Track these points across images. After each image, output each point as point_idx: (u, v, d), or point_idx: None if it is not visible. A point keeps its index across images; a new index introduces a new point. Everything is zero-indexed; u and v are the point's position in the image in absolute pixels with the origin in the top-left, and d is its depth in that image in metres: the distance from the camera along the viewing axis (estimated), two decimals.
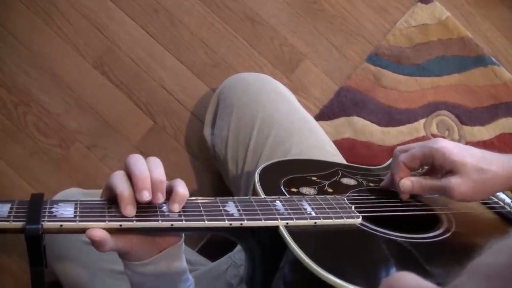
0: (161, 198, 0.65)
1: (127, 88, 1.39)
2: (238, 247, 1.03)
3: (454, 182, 0.76)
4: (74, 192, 1.12)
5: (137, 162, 0.66)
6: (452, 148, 0.78)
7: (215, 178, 1.36)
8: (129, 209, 0.63)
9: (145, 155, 0.68)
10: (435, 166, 0.80)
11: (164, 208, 0.66)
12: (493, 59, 1.50)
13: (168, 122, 1.39)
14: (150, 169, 0.66)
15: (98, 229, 0.61)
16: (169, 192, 0.68)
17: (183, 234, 0.73)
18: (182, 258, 0.74)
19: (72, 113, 1.37)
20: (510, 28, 1.54)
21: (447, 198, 0.79)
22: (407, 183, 0.82)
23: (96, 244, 0.62)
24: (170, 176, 0.68)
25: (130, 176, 0.65)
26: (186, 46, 1.42)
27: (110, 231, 0.62)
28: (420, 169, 0.91)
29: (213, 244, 1.29)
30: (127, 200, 0.63)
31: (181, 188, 0.67)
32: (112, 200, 0.65)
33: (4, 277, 1.30)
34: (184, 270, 0.76)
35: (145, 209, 0.65)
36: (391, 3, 1.51)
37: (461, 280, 0.24)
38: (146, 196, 0.63)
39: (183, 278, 0.76)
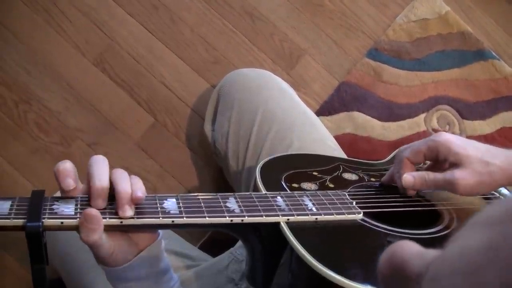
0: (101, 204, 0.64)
1: (128, 85, 1.39)
2: (240, 243, 1.03)
3: (458, 174, 0.74)
4: None
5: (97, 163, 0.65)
6: (456, 141, 0.77)
7: (216, 174, 1.36)
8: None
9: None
10: (439, 160, 0.79)
11: (165, 204, 0.66)
12: (493, 53, 1.50)
13: (169, 119, 1.39)
14: (114, 181, 0.64)
15: (94, 209, 0.61)
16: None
17: (160, 232, 0.71)
18: (163, 256, 0.73)
19: (73, 111, 1.37)
20: (510, 22, 1.53)
21: (451, 193, 0.79)
22: (409, 178, 0.80)
23: (92, 226, 0.60)
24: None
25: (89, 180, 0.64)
26: (186, 42, 1.42)
27: (110, 228, 0.62)
28: (422, 164, 0.90)
29: (215, 240, 1.30)
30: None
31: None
32: (112, 197, 0.65)
33: (6, 276, 1.30)
34: (166, 269, 0.74)
35: (146, 206, 0.65)
36: None
37: (462, 231, 0.25)
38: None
39: (167, 277, 0.75)
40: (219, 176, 1.32)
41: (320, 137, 1.13)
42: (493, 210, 0.24)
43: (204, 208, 0.67)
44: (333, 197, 0.77)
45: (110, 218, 0.62)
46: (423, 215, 0.81)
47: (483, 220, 0.24)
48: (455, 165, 0.76)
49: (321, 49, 1.47)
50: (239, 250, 1.02)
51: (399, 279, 0.30)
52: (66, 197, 0.64)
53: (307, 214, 0.71)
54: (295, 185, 0.83)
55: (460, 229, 0.25)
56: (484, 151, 0.76)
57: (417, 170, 0.86)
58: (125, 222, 0.62)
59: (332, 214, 0.72)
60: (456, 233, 0.26)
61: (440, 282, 0.24)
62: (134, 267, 0.68)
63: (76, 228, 0.62)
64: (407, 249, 0.30)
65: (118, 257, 0.67)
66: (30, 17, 1.38)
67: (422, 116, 1.46)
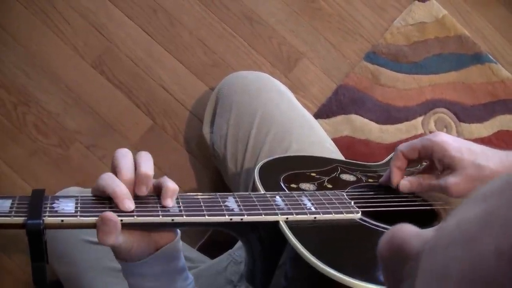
0: (144, 191, 0.65)
1: (126, 88, 1.39)
2: (238, 244, 1.04)
3: (451, 181, 0.76)
4: (74, 191, 1.12)
5: (123, 157, 0.66)
6: (451, 143, 0.78)
7: (215, 177, 1.36)
8: (127, 204, 0.63)
9: None
10: (434, 161, 0.80)
11: None
12: (490, 56, 1.51)
13: (168, 121, 1.39)
14: (138, 163, 0.66)
15: (112, 213, 0.61)
16: (159, 190, 0.68)
17: (179, 231, 0.72)
18: (180, 255, 0.74)
19: (72, 113, 1.37)
20: (507, 26, 1.54)
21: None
22: (405, 182, 0.82)
23: (108, 229, 0.61)
24: (170, 175, 0.68)
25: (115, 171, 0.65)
26: (185, 46, 1.43)
27: (124, 226, 0.63)
28: (419, 165, 0.91)
29: (214, 242, 1.30)
30: (121, 196, 0.63)
31: (170, 183, 0.67)
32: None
33: (4, 277, 1.30)
34: (183, 268, 0.75)
35: (146, 204, 0.65)
36: (388, 2, 1.51)
37: (460, 207, 0.25)
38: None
39: (183, 276, 0.75)
40: (217, 178, 1.33)
41: (318, 140, 1.14)
42: (490, 186, 0.24)
43: (203, 207, 0.68)
44: (331, 197, 0.78)
45: None
46: (420, 215, 0.81)
47: (480, 194, 0.25)
48: (449, 167, 0.77)
49: (319, 52, 1.47)
50: (237, 251, 1.02)
51: (399, 259, 0.30)
52: (66, 196, 0.65)
53: (305, 213, 0.71)
54: (293, 185, 0.83)
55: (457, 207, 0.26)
56: (479, 153, 0.77)
57: (414, 172, 0.87)
58: (125, 220, 0.63)
59: (330, 213, 0.73)
60: (454, 208, 0.26)
61: (438, 253, 0.25)
62: (150, 263, 0.69)
63: (76, 226, 0.62)
64: (406, 230, 0.31)
65: (136, 253, 0.68)
66: (29, 19, 1.38)
67: (420, 119, 1.47)
